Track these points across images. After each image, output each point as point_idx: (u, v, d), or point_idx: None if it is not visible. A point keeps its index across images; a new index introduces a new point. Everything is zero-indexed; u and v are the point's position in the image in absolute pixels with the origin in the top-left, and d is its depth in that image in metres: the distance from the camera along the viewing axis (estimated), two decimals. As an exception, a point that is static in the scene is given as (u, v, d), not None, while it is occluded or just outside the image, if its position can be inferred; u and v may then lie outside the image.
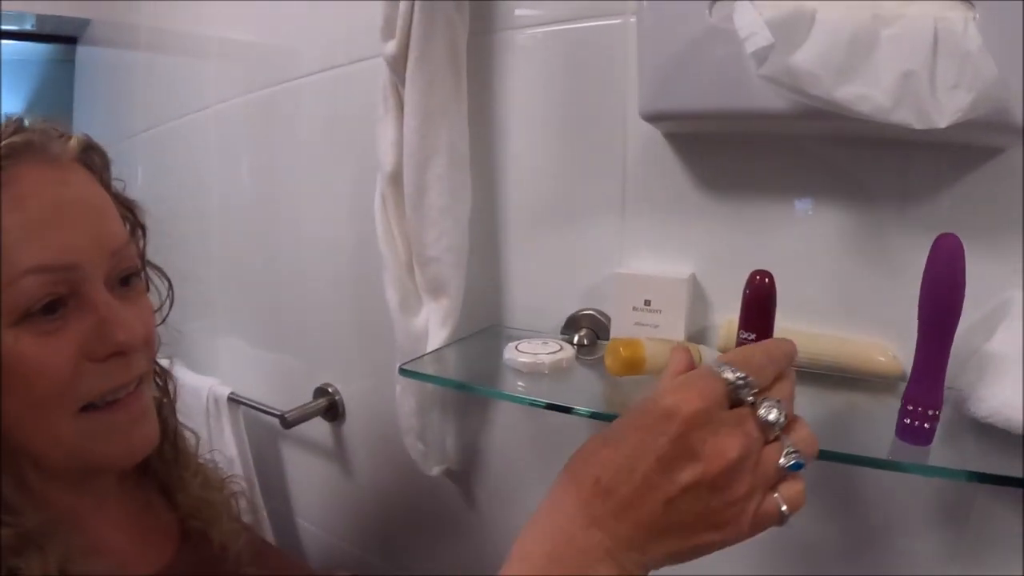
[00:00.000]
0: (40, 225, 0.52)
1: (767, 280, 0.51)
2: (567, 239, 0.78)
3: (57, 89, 2.20)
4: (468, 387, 0.76)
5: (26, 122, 0.57)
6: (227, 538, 0.69)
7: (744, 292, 0.51)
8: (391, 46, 0.75)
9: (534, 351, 0.69)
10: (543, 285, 0.81)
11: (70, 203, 0.55)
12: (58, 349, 0.52)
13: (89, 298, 0.54)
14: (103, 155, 0.62)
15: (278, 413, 1.06)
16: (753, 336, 0.51)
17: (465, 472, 0.95)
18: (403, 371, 0.71)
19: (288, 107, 1.09)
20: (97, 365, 0.54)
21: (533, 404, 0.65)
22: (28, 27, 2.02)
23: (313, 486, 1.26)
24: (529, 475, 0.89)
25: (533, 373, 0.68)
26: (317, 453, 1.20)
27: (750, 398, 0.41)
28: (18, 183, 0.52)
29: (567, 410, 0.62)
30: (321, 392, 1.11)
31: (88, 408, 0.54)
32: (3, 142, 0.52)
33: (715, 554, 0.40)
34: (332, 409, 1.10)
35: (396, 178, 0.79)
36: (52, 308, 0.52)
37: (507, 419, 0.89)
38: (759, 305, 0.51)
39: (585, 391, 0.70)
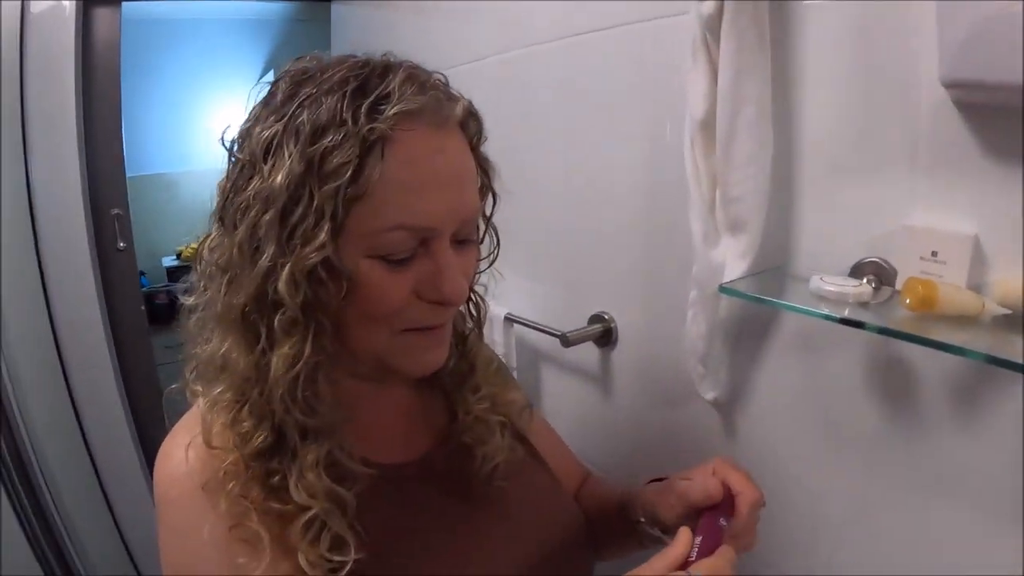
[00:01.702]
0: (415, 190, 0.64)
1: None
2: (857, 191, 0.87)
3: (302, 46, 2.53)
4: (787, 306, 0.88)
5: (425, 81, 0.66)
6: (490, 452, 0.82)
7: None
8: (708, 7, 0.87)
9: (839, 283, 0.81)
10: (831, 231, 0.90)
11: (443, 172, 0.66)
12: (398, 283, 0.66)
13: (434, 251, 0.67)
14: (479, 121, 0.73)
15: (559, 333, 1.24)
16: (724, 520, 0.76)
17: (732, 402, 1.08)
18: (723, 289, 0.88)
19: (577, 58, 1.24)
20: (423, 304, 0.68)
21: (828, 318, 0.79)
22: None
23: (570, 407, 1.44)
24: (790, 414, 1.00)
25: (837, 301, 0.80)
26: (580, 376, 1.39)
27: None
28: (408, 145, 0.63)
29: (860, 325, 0.77)
30: (597, 319, 1.28)
31: (404, 331, 0.70)
32: (402, 106, 0.62)
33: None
34: (606, 335, 1.26)
35: (706, 124, 0.92)
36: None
37: (777, 359, 1.00)
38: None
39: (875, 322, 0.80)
